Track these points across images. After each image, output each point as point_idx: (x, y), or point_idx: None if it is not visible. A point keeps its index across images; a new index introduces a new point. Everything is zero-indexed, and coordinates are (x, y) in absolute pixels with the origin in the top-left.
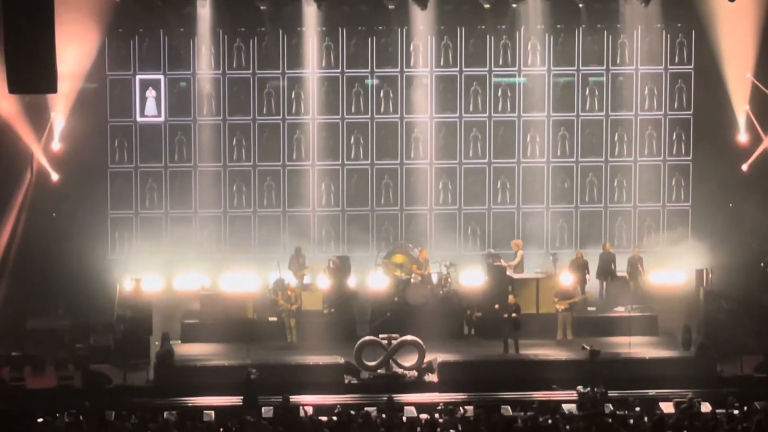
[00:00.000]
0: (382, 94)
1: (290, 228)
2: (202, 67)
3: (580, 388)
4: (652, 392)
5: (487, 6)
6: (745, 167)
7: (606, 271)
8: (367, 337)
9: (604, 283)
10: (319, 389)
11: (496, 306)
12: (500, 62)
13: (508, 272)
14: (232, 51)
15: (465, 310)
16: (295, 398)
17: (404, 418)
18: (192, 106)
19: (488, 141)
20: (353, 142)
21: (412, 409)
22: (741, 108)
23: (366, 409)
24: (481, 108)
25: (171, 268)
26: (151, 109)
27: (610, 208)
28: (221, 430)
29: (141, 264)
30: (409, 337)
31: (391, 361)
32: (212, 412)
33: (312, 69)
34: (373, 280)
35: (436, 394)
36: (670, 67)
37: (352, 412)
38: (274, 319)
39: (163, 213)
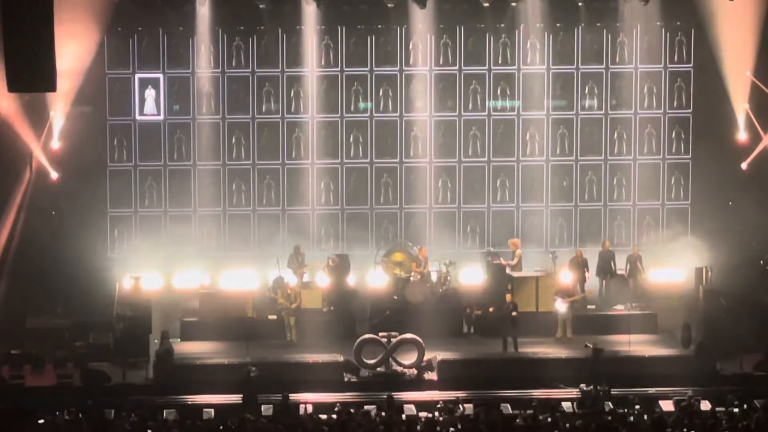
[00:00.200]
0: (381, 93)
1: (290, 226)
2: (201, 65)
3: (583, 386)
4: (651, 390)
5: (486, 4)
6: (744, 165)
7: (605, 270)
8: (367, 336)
9: (604, 282)
10: (318, 387)
11: (491, 309)
12: (499, 61)
13: (508, 270)
14: (231, 49)
15: (464, 309)
16: (294, 396)
17: (404, 417)
18: (191, 105)
19: (487, 139)
20: (352, 141)
21: (412, 407)
22: (740, 106)
23: (365, 407)
24: (481, 106)
25: (170, 266)
26: (150, 108)
27: (610, 206)
28: (221, 428)
29: (140, 262)
30: (408, 336)
31: (390, 359)
32: (212, 411)
33: (311, 67)
34: (373, 278)
35: (436, 392)
36: (669, 65)
37: (352, 411)
38: (274, 317)
39: (163, 211)
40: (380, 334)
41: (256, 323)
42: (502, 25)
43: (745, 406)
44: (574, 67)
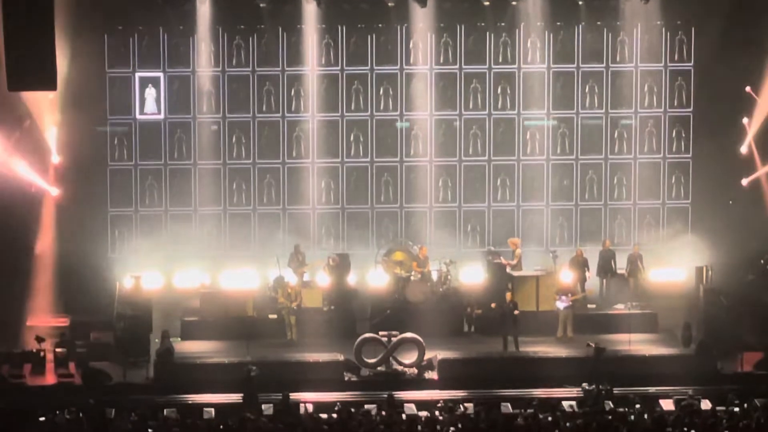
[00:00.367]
0: (381, 92)
1: (290, 225)
2: (201, 64)
3: (585, 385)
4: (652, 389)
5: (486, 3)
6: (745, 182)
7: (606, 269)
8: (367, 335)
9: (604, 281)
10: (319, 386)
11: (493, 305)
12: (500, 60)
13: (508, 270)
14: (231, 48)
15: (465, 308)
16: (295, 395)
17: (404, 416)
18: (192, 104)
19: (488, 138)
20: (353, 140)
21: (412, 406)
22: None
23: (366, 406)
24: (481, 105)
25: (171, 265)
26: (150, 107)
27: (610, 205)
28: (221, 427)
29: (141, 261)
30: (409, 335)
31: (391, 358)
32: (212, 410)
33: (311, 66)
34: (373, 277)
35: (436, 391)
36: (669, 64)
37: (352, 410)
38: (274, 316)
39: (163, 210)
40: (381, 333)
41: (257, 322)
42: (503, 24)
43: (745, 405)
44: (575, 65)
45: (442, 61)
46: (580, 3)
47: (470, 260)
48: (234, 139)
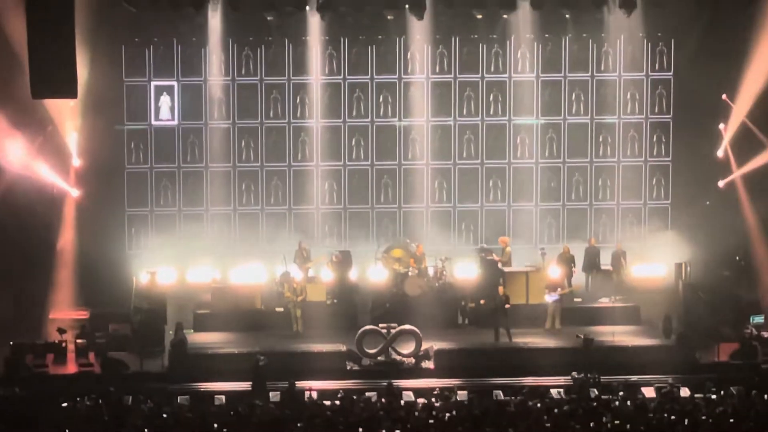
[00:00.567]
0: (381, 99)
1: (295, 224)
2: (213, 73)
3: (574, 373)
4: (634, 378)
5: (479, 16)
6: (721, 183)
7: (591, 265)
8: (368, 327)
9: (590, 276)
10: (323, 375)
11: (482, 301)
12: (492, 69)
13: (500, 266)
14: (241, 59)
15: (459, 301)
16: (300, 383)
17: (402, 403)
18: (203, 111)
19: (481, 143)
20: (354, 144)
21: (410, 393)
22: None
23: (367, 393)
24: (474, 112)
25: (184, 261)
26: (165, 114)
27: (595, 205)
28: (231, 413)
29: (156, 258)
30: (407, 327)
31: (390, 348)
32: (223, 397)
33: (316, 76)
34: (374, 273)
35: (433, 379)
36: (650, 73)
37: (354, 397)
38: (281, 309)
39: (177, 210)
40: (380, 325)
41: (265, 315)
42: (495, 36)
43: (722, 392)
44: (562, 75)
45: (437, 70)
46: (567, 16)
47: (464, 257)
48: (243, 144)
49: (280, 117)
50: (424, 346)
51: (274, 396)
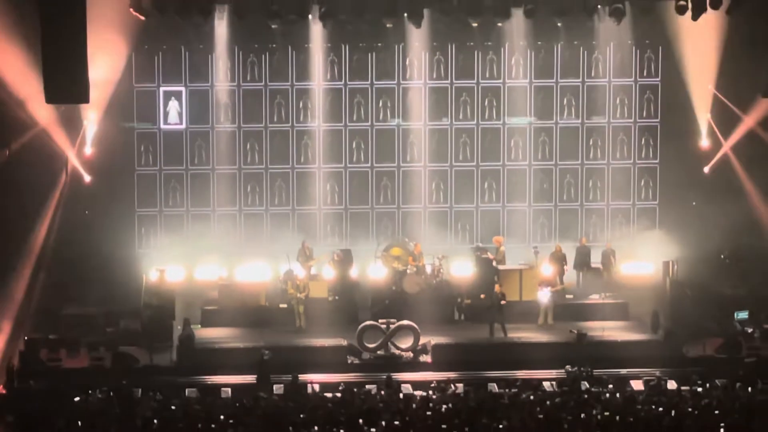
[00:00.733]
0: (380, 104)
1: (298, 224)
2: (219, 79)
3: (568, 367)
4: (623, 371)
5: (475, 25)
6: (706, 170)
7: (582, 263)
8: (368, 322)
9: (581, 274)
10: (324, 368)
11: (482, 296)
12: (487, 75)
13: (494, 263)
14: (246, 65)
15: (456, 298)
16: (303, 377)
17: (401, 395)
18: (210, 115)
19: (476, 146)
20: (355, 147)
21: (409, 386)
22: (703, 116)
23: (367, 386)
24: (470, 116)
25: (192, 260)
26: (173, 118)
27: (586, 206)
28: (237, 405)
29: (165, 256)
30: (405, 322)
31: (389, 343)
32: (229, 390)
33: (318, 81)
34: (373, 270)
35: (430, 372)
36: (639, 79)
37: (355, 389)
38: (285, 305)
39: (185, 211)
40: (380, 320)
41: (269, 311)
42: (489, 43)
43: (707, 385)
44: (554, 80)
45: (435, 76)
46: (559, 24)
47: (460, 255)
48: (248, 147)
49: (284, 121)
50: (422, 340)
51: (278, 389)
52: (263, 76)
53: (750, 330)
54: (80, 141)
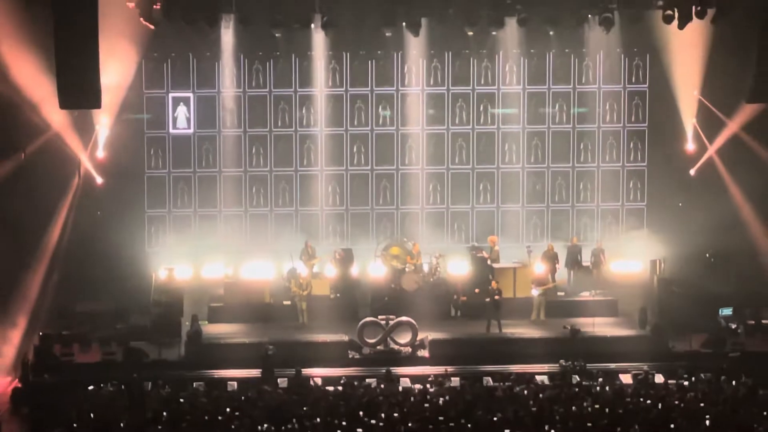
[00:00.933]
0: (380, 109)
1: (301, 225)
2: (225, 86)
3: (562, 361)
4: (612, 365)
5: (470, 33)
6: (692, 172)
7: (573, 261)
8: (368, 318)
9: (572, 272)
10: (326, 363)
11: (477, 290)
12: (482, 81)
13: (489, 262)
14: (251, 72)
15: (452, 295)
16: (306, 371)
17: (400, 388)
18: (217, 120)
19: (472, 149)
20: (355, 151)
21: (407, 380)
22: (689, 121)
23: (367, 380)
24: (466, 121)
25: (199, 258)
26: (182, 123)
27: (577, 207)
28: (242, 398)
29: (173, 255)
30: (404, 318)
31: (388, 338)
32: (235, 383)
33: (320, 88)
34: (373, 269)
35: (428, 367)
36: (627, 85)
37: (355, 383)
38: (288, 302)
39: (192, 211)
40: (380, 317)
41: (273, 308)
42: (484, 51)
43: (693, 378)
44: (546, 86)
45: (432, 82)
46: (551, 33)
47: (456, 254)
48: (253, 150)
49: (288, 126)
50: (420, 336)
51: (282, 382)
52: (268, 82)
53: (734, 326)
54: (92, 144)
